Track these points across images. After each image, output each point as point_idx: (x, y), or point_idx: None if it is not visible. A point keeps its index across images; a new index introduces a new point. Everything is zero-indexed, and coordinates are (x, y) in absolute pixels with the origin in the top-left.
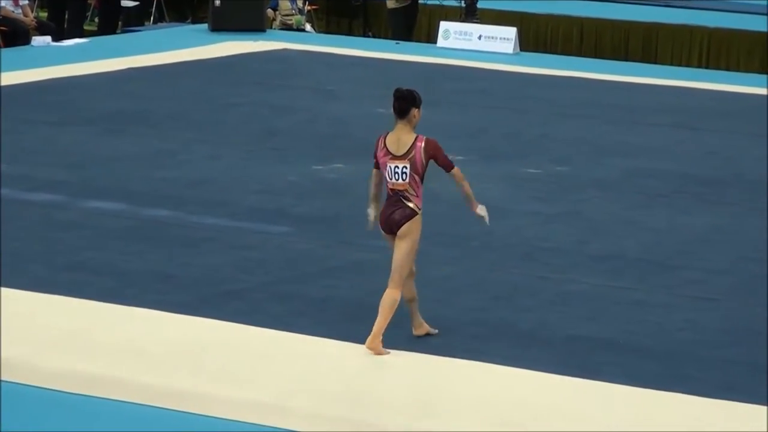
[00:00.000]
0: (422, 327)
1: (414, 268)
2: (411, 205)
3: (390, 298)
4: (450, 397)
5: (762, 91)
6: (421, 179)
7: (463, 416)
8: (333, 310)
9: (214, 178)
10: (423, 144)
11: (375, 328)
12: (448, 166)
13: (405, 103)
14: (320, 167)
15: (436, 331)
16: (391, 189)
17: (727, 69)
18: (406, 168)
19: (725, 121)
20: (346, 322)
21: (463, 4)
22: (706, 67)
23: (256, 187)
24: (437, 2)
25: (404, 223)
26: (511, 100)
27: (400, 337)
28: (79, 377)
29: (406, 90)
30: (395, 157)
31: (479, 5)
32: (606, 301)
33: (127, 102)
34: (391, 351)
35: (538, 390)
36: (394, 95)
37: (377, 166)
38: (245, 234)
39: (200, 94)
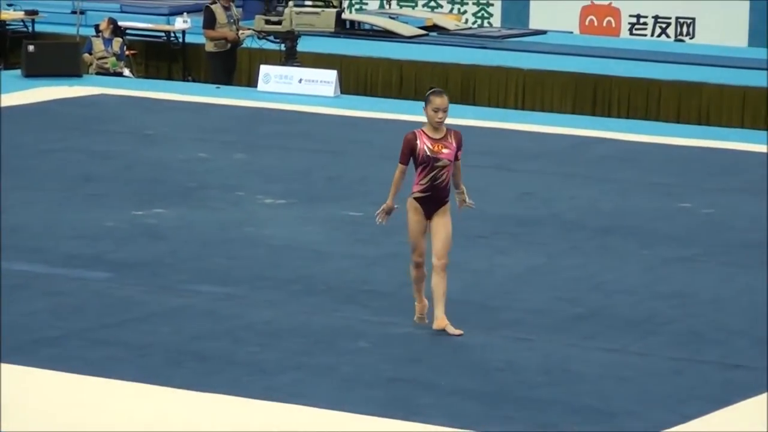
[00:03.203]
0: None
1: (424, 256)
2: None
3: (434, 284)
4: None
5: (574, 131)
6: (416, 167)
7: None
8: (153, 356)
9: (28, 225)
10: None
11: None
12: None
13: None
14: (139, 212)
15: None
16: None
17: (542, 110)
18: None
19: (540, 161)
20: (167, 367)
21: (283, 48)
22: (522, 108)
23: (72, 233)
24: (257, 46)
25: None
26: (331, 143)
27: (219, 381)
28: None
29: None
30: None
31: (299, 48)
32: (428, 343)
33: None
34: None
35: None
36: None
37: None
38: (60, 280)
39: (13, 141)
